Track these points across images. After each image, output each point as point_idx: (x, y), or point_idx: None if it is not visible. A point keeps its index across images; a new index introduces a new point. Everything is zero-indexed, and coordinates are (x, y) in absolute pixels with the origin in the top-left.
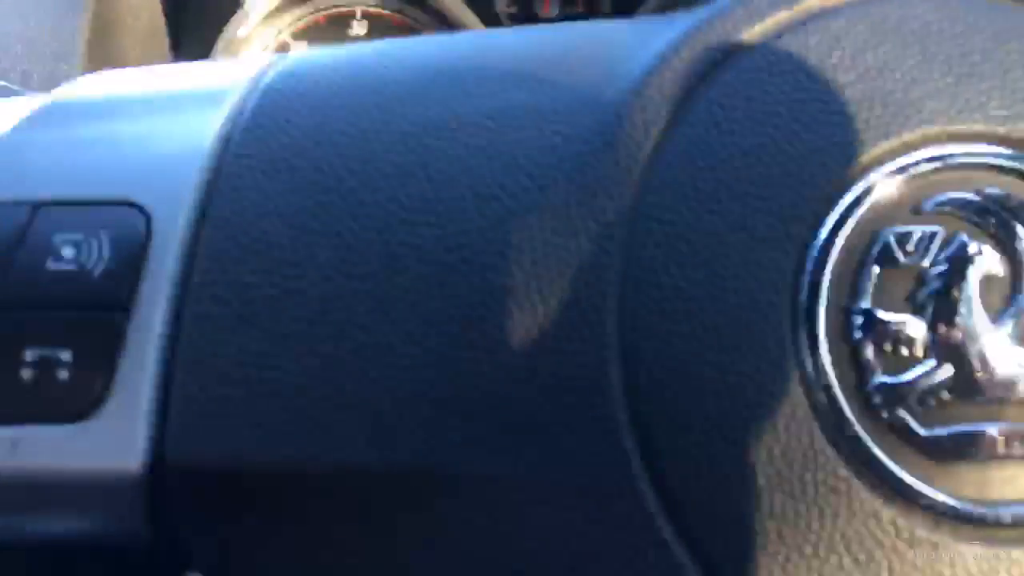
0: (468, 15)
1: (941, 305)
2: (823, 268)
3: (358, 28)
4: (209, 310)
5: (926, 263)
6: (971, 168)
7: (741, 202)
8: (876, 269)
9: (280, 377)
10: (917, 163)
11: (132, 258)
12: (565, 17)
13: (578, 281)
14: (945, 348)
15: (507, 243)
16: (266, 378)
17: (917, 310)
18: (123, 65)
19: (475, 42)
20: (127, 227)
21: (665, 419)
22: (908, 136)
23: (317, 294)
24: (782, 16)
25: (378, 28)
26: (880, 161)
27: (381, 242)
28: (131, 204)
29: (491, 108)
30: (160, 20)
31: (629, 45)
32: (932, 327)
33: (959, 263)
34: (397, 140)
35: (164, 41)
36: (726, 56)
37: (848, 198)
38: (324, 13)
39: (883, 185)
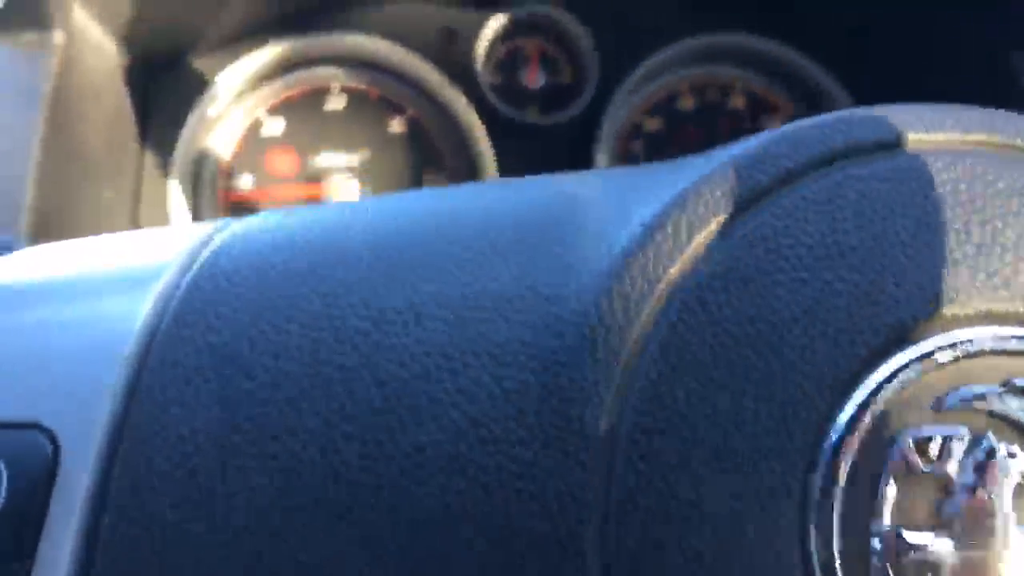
0: (449, 88)
1: (970, 521)
2: (835, 481)
3: (335, 103)
4: (124, 554)
5: (951, 470)
6: (997, 354)
7: (737, 404)
8: (895, 480)
9: None
10: (936, 350)
11: (36, 494)
12: (551, 87)
13: (553, 505)
14: (976, 571)
15: (469, 460)
16: None
17: (943, 526)
18: (83, 154)
19: (434, 208)
20: (31, 455)
21: None
22: (924, 319)
23: (249, 530)
24: (777, 178)
25: (356, 102)
26: (894, 349)
27: (324, 464)
28: (36, 426)
29: (451, 295)
30: (125, 104)
31: (608, 214)
32: (960, 547)
33: (988, 470)
34: (344, 338)
35: (130, 126)
36: (717, 228)
37: (859, 396)
38: (300, 88)
39: (898, 378)
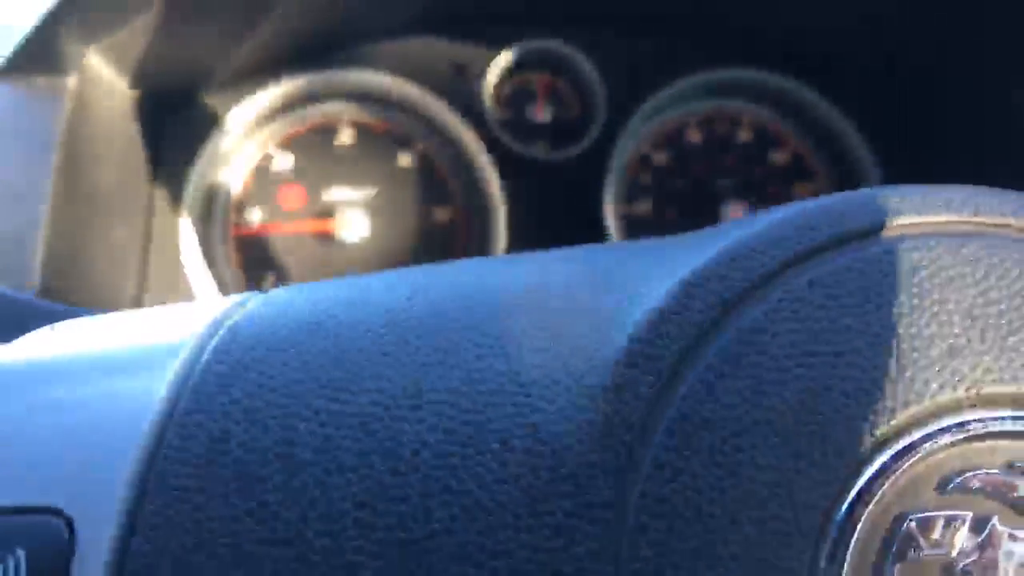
0: (458, 123)
1: None
2: (840, 564)
3: (344, 137)
4: None
5: (954, 553)
6: (1002, 437)
7: (744, 489)
8: (899, 562)
9: None
10: (939, 432)
11: None
12: (559, 122)
13: None
14: None
15: (481, 547)
16: None
17: None
18: (94, 195)
19: (446, 288)
20: (48, 540)
21: None
22: (928, 403)
23: None
24: (782, 262)
25: (365, 136)
26: (897, 433)
27: (336, 550)
28: (52, 511)
29: (461, 379)
30: (137, 143)
31: (616, 297)
32: None
33: (990, 552)
34: (357, 424)
35: (141, 164)
36: (722, 315)
37: (863, 479)
38: (310, 123)
39: (902, 461)
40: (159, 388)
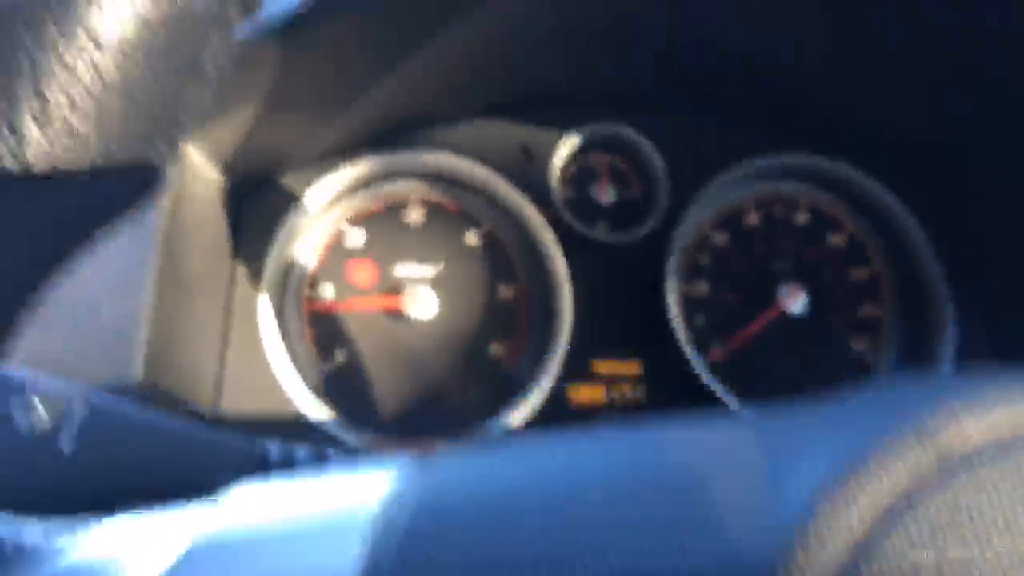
0: (523, 201)
1: None
2: None
3: (414, 214)
4: None
5: None
6: None
7: None
8: None
9: None
10: None
11: None
12: (622, 203)
13: None
14: None
15: None
16: None
17: None
18: (187, 280)
19: (611, 459)
20: None
21: None
22: None
23: None
24: (923, 465)
25: (434, 214)
26: None
27: None
28: None
29: (635, 553)
30: (222, 226)
31: (773, 485)
32: None
33: None
34: None
35: (226, 246)
36: (877, 513)
37: None
38: (381, 201)
39: None
40: (350, 563)
